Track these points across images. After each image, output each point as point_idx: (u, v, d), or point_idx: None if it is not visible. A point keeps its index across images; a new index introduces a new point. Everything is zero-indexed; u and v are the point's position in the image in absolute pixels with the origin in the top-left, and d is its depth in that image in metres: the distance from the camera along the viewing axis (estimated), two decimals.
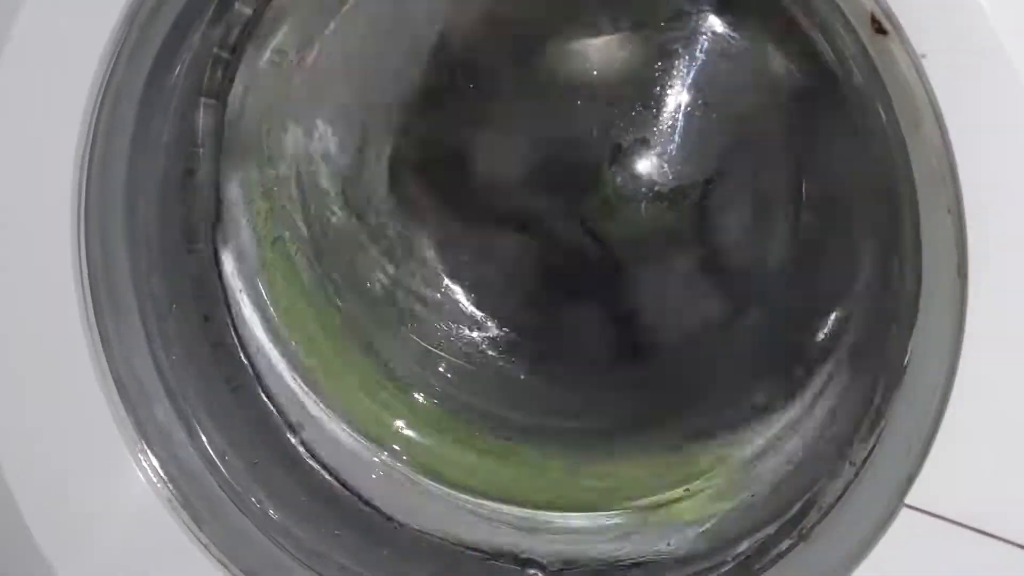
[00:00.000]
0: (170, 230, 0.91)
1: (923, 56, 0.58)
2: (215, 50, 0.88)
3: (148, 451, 0.85)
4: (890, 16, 0.59)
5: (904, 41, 0.58)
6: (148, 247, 0.88)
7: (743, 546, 0.79)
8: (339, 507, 0.94)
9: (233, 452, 0.89)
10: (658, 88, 0.93)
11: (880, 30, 0.60)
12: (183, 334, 0.91)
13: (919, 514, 0.62)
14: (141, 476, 0.84)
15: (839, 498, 0.71)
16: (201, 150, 0.92)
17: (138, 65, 0.81)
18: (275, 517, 0.89)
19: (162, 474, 0.84)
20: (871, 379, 0.73)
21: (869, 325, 0.79)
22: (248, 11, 0.88)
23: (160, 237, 0.89)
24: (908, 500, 0.62)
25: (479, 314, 1.03)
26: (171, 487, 0.84)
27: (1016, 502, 0.61)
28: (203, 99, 0.91)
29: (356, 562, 0.90)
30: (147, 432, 0.85)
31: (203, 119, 0.92)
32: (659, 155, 0.94)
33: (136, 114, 0.84)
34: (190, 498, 0.85)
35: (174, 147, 0.89)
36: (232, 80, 0.91)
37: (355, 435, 0.97)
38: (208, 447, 0.89)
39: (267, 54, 0.92)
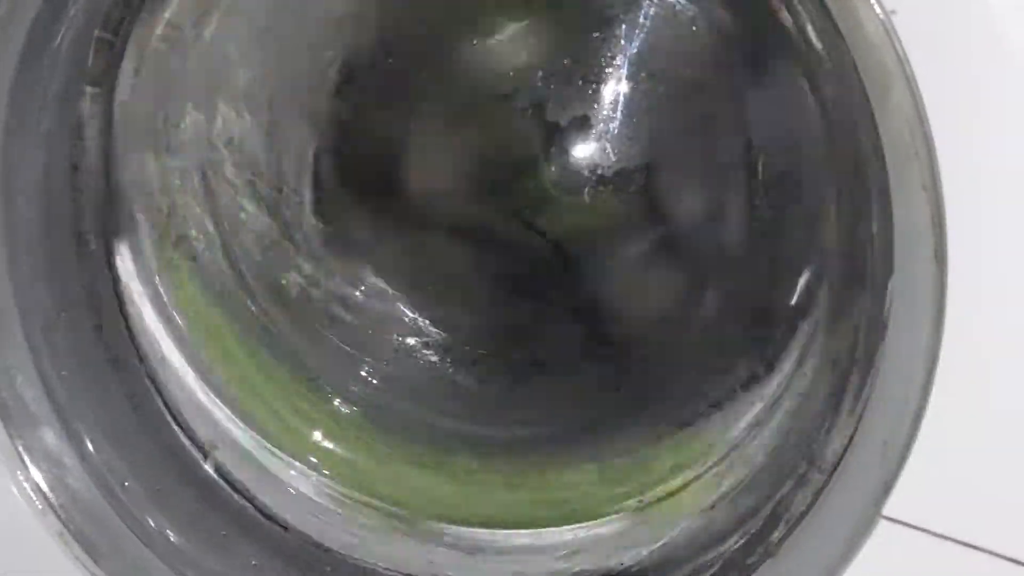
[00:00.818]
0: (56, 231, 0.85)
1: (893, 12, 0.54)
2: (97, 32, 0.81)
3: (34, 477, 0.79)
4: None
5: None
6: (30, 251, 0.82)
7: (703, 563, 0.74)
8: (256, 533, 0.88)
9: (134, 477, 0.84)
10: (597, 60, 0.88)
11: None
12: (75, 347, 0.85)
13: (898, 526, 0.59)
14: (25, 505, 0.78)
15: (808, 509, 0.67)
16: (88, 140, 0.86)
17: (6, 44, 0.74)
18: (183, 547, 0.83)
19: (51, 503, 0.79)
20: (840, 375, 0.69)
21: (836, 316, 0.75)
22: None
23: (44, 239, 0.83)
24: (886, 511, 0.59)
25: (407, 314, 0.98)
26: (62, 517, 0.79)
27: (1006, 510, 0.58)
28: (88, 86, 0.84)
29: None
30: (32, 456, 0.79)
31: (89, 107, 0.85)
32: (601, 134, 0.89)
33: (8, 100, 0.77)
34: (84, 529, 0.79)
35: (56, 137, 0.83)
36: (120, 59, 0.84)
37: (274, 451, 0.92)
38: (105, 472, 0.83)
39: (159, 28, 0.84)
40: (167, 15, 0.84)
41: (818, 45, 0.67)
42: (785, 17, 0.75)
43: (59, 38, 0.78)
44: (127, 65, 0.84)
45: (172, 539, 0.82)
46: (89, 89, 0.83)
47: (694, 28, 0.86)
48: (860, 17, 0.55)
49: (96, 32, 0.81)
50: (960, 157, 0.55)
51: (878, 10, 0.54)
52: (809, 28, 0.68)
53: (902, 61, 0.54)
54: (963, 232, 0.56)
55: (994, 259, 0.56)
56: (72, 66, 0.81)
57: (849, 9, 0.56)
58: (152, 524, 0.82)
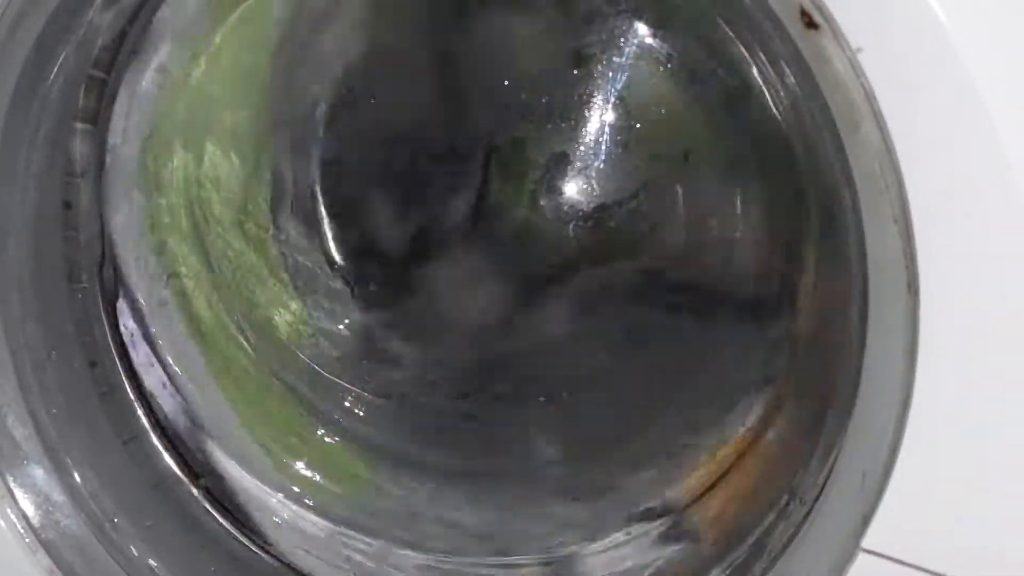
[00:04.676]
0: (48, 270, 0.85)
1: (859, 50, 0.55)
2: (89, 70, 0.81)
3: (23, 515, 0.79)
4: (821, 8, 0.55)
5: (837, 35, 0.55)
6: (21, 289, 0.82)
7: None
8: (247, 568, 0.88)
9: (123, 514, 0.84)
10: (576, 97, 0.88)
11: (811, 24, 0.56)
12: (65, 384, 0.85)
13: (877, 559, 0.58)
14: (14, 542, 0.78)
15: (790, 541, 0.67)
16: (80, 180, 0.86)
17: None
18: None
19: (41, 539, 0.79)
20: (819, 408, 0.68)
21: (814, 348, 0.74)
22: (121, 24, 0.81)
23: (36, 278, 0.83)
24: (864, 543, 0.58)
25: (392, 349, 0.97)
26: (51, 554, 0.79)
27: (983, 540, 0.57)
28: (79, 124, 0.84)
29: None
30: (22, 493, 0.79)
31: (80, 146, 0.85)
32: (581, 170, 0.89)
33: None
34: (73, 566, 0.79)
35: (47, 177, 0.83)
36: (111, 98, 0.85)
37: (262, 483, 0.91)
38: (94, 509, 0.83)
39: (149, 73, 0.85)
40: (157, 58, 0.85)
41: (791, 81, 0.68)
42: (758, 55, 0.76)
43: (51, 79, 0.79)
44: (118, 105, 0.85)
45: (163, 574, 0.83)
46: (80, 127, 0.84)
47: (670, 66, 0.86)
48: (828, 55, 0.55)
49: (88, 71, 0.82)
50: (929, 189, 0.55)
51: (845, 49, 0.54)
52: (783, 65, 0.68)
53: (869, 97, 0.54)
54: (935, 263, 0.56)
55: (966, 289, 0.56)
56: (63, 105, 0.81)
57: (818, 48, 0.56)
58: (142, 561, 0.82)
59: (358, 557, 0.88)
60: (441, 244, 0.96)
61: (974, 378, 0.56)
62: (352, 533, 0.89)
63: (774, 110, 0.76)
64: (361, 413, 0.95)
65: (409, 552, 0.88)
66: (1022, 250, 0.54)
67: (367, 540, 0.88)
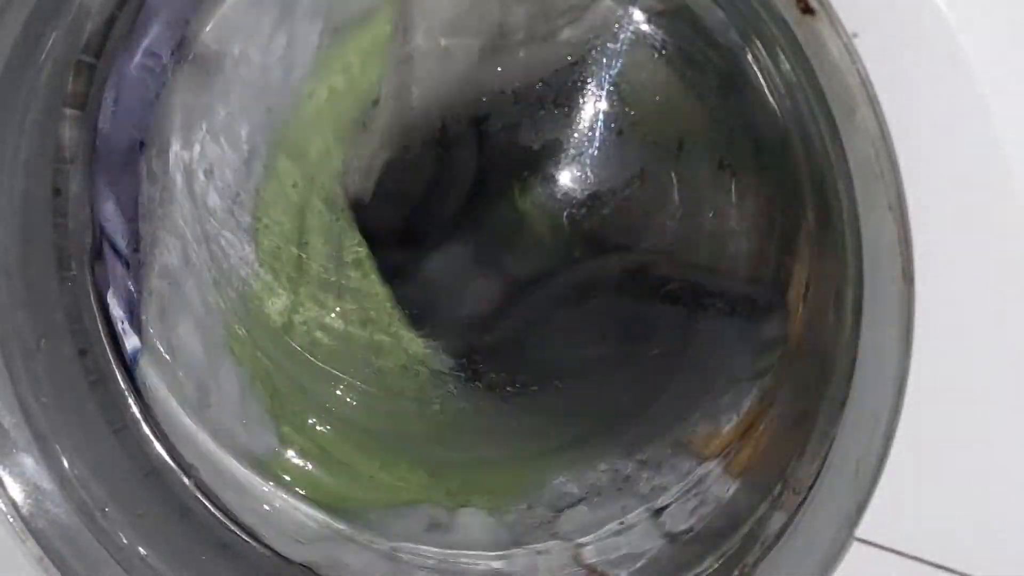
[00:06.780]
0: (38, 257, 0.85)
1: (855, 36, 0.54)
2: (79, 55, 0.81)
3: (12, 504, 0.78)
4: None
5: (834, 20, 0.55)
6: (9, 277, 0.82)
7: None
8: (237, 556, 0.88)
9: (114, 502, 0.83)
10: (568, 83, 0.88)
11: (807, 9, 0.56)
12: (54, 373, 0.84)
13: (871, 548, 0.58)
14: (3, 531, 0.77)
15: (783, 531, 0.67)
16: (69, 166, 0.86)
17: None
18: (163, 573, 0.83)
19: (31, 528, 0.78)
20: (813, 397, 0.68)
21: (808, 337, 0.74)
22: (111, 8, 0.80)
23: (24, 265, 0.83)
24: (859, 533, 0.58)
25: (385, 337, 0.97)
26: (41, 542, 0.78)
27: (977, 531, 0.57)
28: (68, 110, 0.84)
29: None
30: (12, 482, 0.79)
31: (69, 132, 0.85)
32: (574, 157, 0.89)
33: None
34: (64, 556, 0.79)
35: (35, 163, 0.83)
36: (101, 83, 0.84)
37: (253, 471, 0.91)
38: (85, 497, 0.82)
39: (139, 57, 0.85)
40: (147, 43, 0.85)
41: (786, 67, 0.68)
42: (754, 41, 0.75)
43: (39, 64, 0.78)
44: (107, 91, 0.85)
45: (152, 564, 0.82)
46: (69, 112, 0.83)
47: (665, 52, 0.86)
48: (824, 40, 0.55)
49: (78, 56, 0.81)
50: (924, 176, 0.55)
51: (841, 34, 0.54)
52: (779, 51, 0.68)
53: (865, 83, 0.54)
54: (930, 251, 0.55)
55: (961, 278, 0.56)
56: (52, 91, 0.81)
57: (814, 33, 0.56)
58: (132, 549, 0.82)
59: (350, 546, 0.88)
60: (434, 232, 0.96)
61: (969, 366, 0.56)
62: (344, 523, 0.89)
63: (769, 96, 0.76)
64: (353, 402, 0.95)
65: (403, 544, 0.88)
66: (1017, 237, 0.54)
67: (359, 530, 0.88)
